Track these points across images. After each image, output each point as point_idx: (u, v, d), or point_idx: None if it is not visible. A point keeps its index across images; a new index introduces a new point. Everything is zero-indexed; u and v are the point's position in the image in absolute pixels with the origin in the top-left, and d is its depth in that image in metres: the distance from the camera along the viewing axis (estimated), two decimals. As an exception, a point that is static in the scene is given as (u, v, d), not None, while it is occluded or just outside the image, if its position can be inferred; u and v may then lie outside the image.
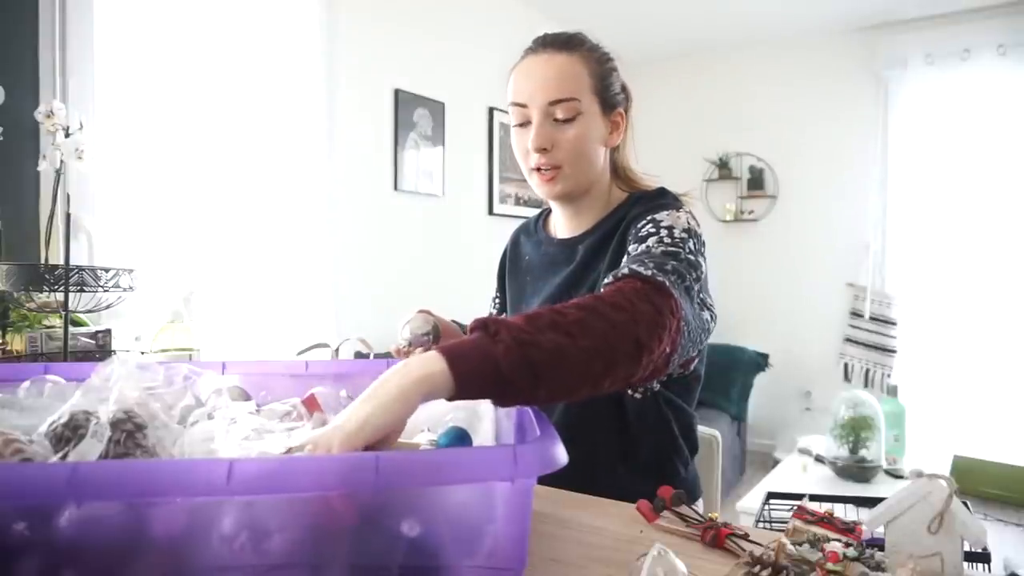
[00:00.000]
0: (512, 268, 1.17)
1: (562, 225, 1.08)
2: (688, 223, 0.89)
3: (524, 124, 0.97)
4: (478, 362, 0.58)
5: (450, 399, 0.58)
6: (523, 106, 0.96)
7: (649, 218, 0.90)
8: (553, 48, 0.95)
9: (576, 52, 0.95)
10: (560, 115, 0.94)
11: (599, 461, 0.99)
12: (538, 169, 0.97)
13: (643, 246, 0.85)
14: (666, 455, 1.02)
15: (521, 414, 0.63)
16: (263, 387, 0.80)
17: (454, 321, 1.16)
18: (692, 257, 0.83)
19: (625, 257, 0.87)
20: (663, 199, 0.98)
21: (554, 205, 1.08)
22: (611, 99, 0.99)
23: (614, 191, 1.06)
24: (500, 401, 0.62)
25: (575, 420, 0.99)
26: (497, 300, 1.24)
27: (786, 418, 3.98)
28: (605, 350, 0.64)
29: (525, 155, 0.98)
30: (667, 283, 0.74)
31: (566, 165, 0.96)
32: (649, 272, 0.75)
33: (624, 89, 1.05)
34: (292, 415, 0.67)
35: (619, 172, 1.08)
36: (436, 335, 1.00)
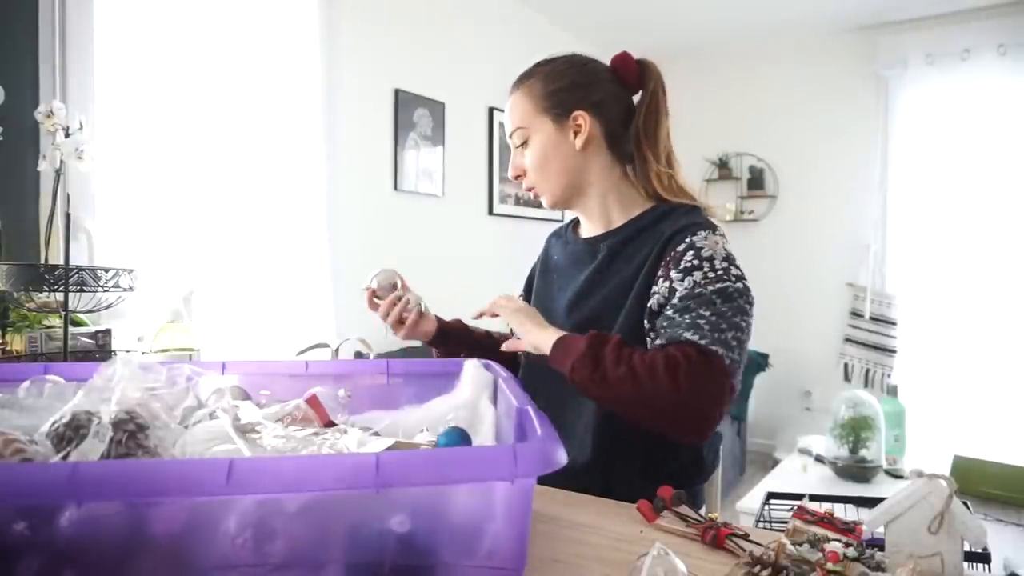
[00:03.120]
0: (543, 268, 1.22)
1: (584, 225, 1.14)
2: (724, 248, 0.95)
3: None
4: (562, 358, 0.91)
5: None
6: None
7: (687, 242, 0.94)
8: (513, 88, 1.09)
9: (523, 86, 1.07)
10: (517, 142, 1.08)
11: (621, 471, 0.99)
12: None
13: (689, 280, 0.91)
14: (687, 474, 1.04)
15: (521, 414, 0.63)
16: (263, 387, 0.80)
17: (458, 319, 1.22)
18: (740, 284, 0.91)
19: (670, 284, 0.92)
20: (696, 216, 1.01)
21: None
22: (566, 107, 1.03)
23: (635, 194, 1.07)
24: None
25: (606, 431, 1.00)
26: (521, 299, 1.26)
27: (786, 418, 3.98)
28: (658, 414, 0.86)
29: None
30: (727, 361, 0.85)
31: (537, 183, 1.08)
32: (709, 343, 0.85)
33: (611, 90, 1.05)
34: (296, 416, 0.67)
35: (647, 174, 1.05)
36: (398, 287, 1.12)
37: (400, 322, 1.09)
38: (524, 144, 1.07)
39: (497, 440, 0.74)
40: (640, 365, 0.84)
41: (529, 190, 1.10)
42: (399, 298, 1.09)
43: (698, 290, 0.90)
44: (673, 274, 0.93)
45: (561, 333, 0.94)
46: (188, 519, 0.47)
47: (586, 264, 1.07)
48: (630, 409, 0.88)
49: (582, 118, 1.03)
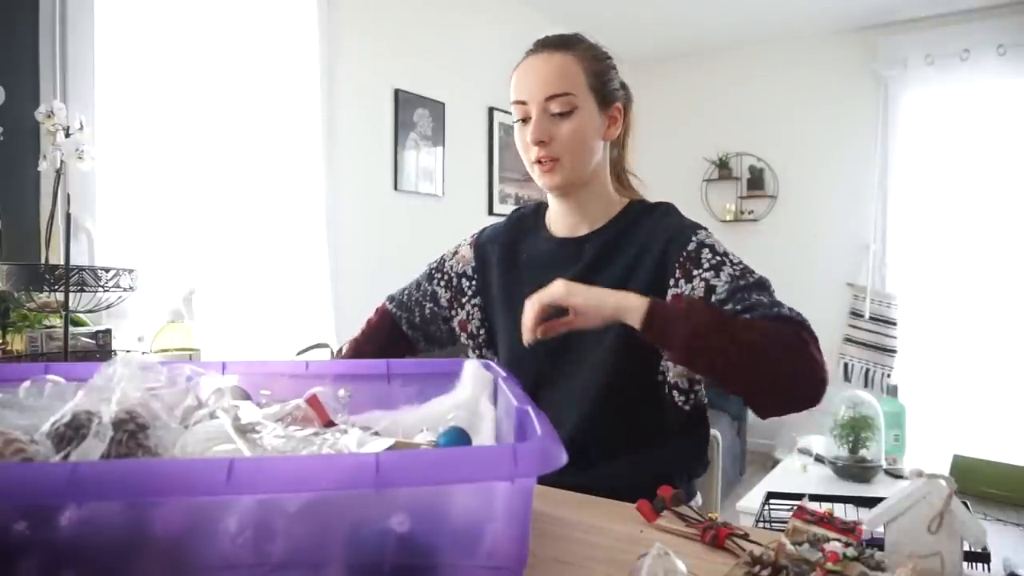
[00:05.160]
0: (507, 264, 1.13)
1: (561, 222, 1.09)
2: (721, 242, 0.99)
3: (525, 120, 1.01)
4: (671, 324, 0.83)
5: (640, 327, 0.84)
6: (523, 103, 1.00)
7: (696, 240, 0.97)
8: (551, 48, 1.00)
9: (572, 51, 1.00)
10: (556, 109, 0.98)
11: (614, 466, 1.00)
12: (539, 161, 1.01)
13: (724, 274, 0.93)
14: (683, 468, 1.06)
15: (521, 414, 0.63)
16: (263, 387, 0.80)
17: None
18: (762, 275, 0.95)
19: (706, 283, 0.92)
20: (679, 214, 1.05)
21: (554, 200, 1.09)
22: (608, 95, 1.03)
23: (613, 193, 1.09)
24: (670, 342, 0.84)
25: (600, 427, 1.00)
26: (475, 282, 1.16)
27: (786, 418, 3.96)
28: (787, 385, 0.87)
29: (526, 149, 1.02)
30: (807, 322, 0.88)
31: (564, 157, 1.00)
32: (793, 315, 0.88)
33: (624, 87, 1.08)
34: (296, 416, 0.67)
35: (618, 174, 1.12)
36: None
37: None
38: (563, 114, 0.98)
39: (497, 440, 0.74)
40: (767, 331, 0.83)
41: (545, 160, 0.99)
42: None
43: (741, 282, 0.91)
44: (703, 273, 0.93)
45: (639, 297, 0.85)
46: (188, 519, 0.47)
47: (569, 263, 1.05)
48: (751, 377, 0.85)
49: (618, 111, 1.05)
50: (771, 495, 1.51)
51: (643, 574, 0.51)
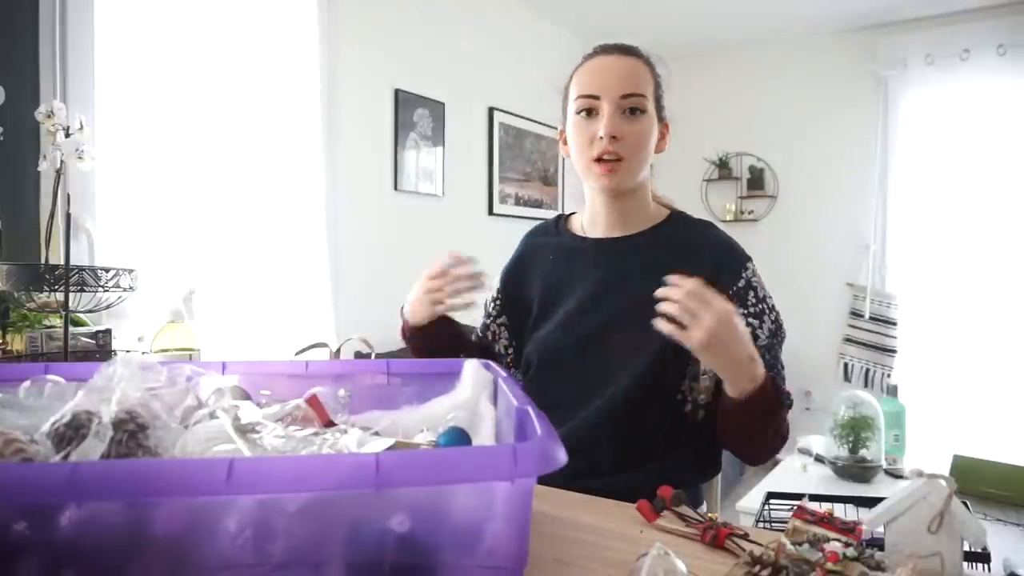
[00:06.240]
0: (536, 269, 1.16)
1: (601, 224, 1.10)
2: (762, 280, 1.04)
3: (590, 113, 1.02)
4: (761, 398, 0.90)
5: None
6: (594, 97, 1.01)
7: (744, 279, 1.02)
8: (621, 52, 1.04)
9: (640, 59, 1.05)
10: (630, 109, 1.00)
11: (636, 473, 1.01)
12: (599, 160, 1.00)
13: (766, 328, 1.00)
14: (694, 475, 1.07)
15: (521, 414, 0.63)
16: (263, 387, 0.80)
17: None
18: (784, 326, 1.04)
19: (752, 330, 0.96)
20: (719, 231, 1.09)
21: (600, 202, 1.09)
22: (661, 110, 1.07)
23: (653, 204, 1.12)
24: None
25: (621, 435, 1.01)
26: (498, 301, 1.22)
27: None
28: (758, 452, 1.01)
29: (589, 143, 1.02)
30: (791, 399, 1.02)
31: (628, 157, 1.00)
32: (789, 399, 1.00)
33: None
34: (296, 416, 0.67)
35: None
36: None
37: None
38: (634, 112, 1.00)
39: (497, 440, 0.73)
40: (778, 423, 0.98)
41: (611, 158, 0.99)
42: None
43: (774, 340, 1.01)
44: (749, 319, 0.98)
45: (760, 371, 0.88)
46: (188, 519, 0.47)
47: (603, 264, 1.07)
48: (739, 444, 1.00)
49: (666, 128, 1.09)
50: (771, 495, 1.51)
51: (643, 574, 0.51)
